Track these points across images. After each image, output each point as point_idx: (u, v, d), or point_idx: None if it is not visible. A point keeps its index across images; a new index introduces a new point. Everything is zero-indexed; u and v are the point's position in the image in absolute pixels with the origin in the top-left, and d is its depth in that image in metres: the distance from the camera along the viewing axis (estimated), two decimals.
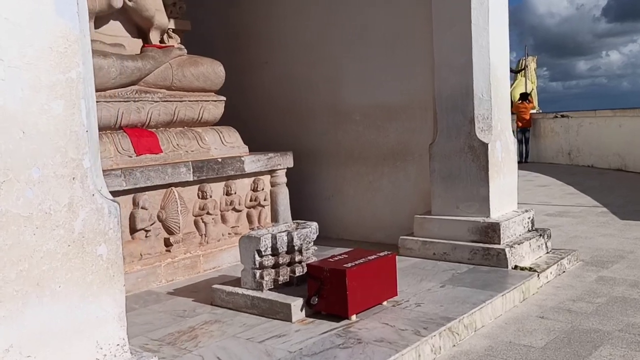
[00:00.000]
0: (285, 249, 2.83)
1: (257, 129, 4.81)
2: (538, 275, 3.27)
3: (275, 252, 2.80)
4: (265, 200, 4.01)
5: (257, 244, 2.75)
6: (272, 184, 4.11)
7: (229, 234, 3.80)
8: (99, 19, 3.62)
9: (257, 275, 2.78)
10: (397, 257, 2.87)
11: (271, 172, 4.08)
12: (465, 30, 3.47)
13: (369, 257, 2.69)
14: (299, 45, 4.48)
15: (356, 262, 2.60)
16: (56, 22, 1.55)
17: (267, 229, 2.91)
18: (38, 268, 1.42)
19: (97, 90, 3.24)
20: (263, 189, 4.02)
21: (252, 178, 3.97)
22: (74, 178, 1.49)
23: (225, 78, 4.03)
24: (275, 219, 4.12)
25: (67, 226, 1.47)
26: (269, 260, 2.79)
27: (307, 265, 2.69)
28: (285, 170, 4.16)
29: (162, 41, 4.34)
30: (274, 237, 2.78)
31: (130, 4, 3.65)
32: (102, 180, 1.63)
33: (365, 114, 4.17)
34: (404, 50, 3.93)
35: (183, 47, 3.96)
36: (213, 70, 3.92)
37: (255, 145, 4.42)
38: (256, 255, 2.76)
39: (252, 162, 3.88)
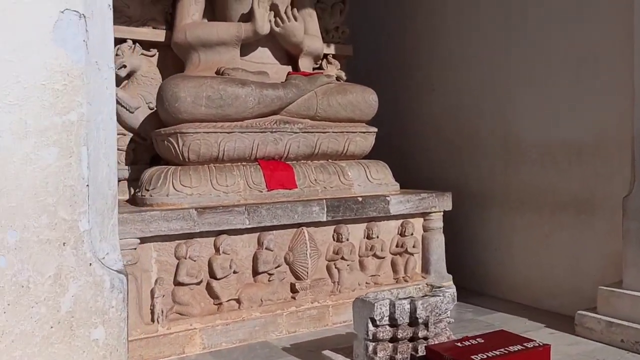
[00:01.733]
0: (406, 320, 2.30)
1: (414, 165, 4.33)
2: None
3: (393, 323, 2.29)
4: (414, 247, 3.49)
5: (371, 311, 2.27)
6: (425, 229, 3.57)
7: (366, 283, 3.35)
8: (246, 46, 3.47)
9: (370, 348, 2.30)
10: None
11: (424, 214, 3.55)
12: None
13: (510, 349, 2.04)
14: (468, 70, 3.90)
15: (489, 354, 1.98)
16: (54, 53, 1.29)
17: (388, 292, 2.41)
18: (7, 354, 1.15)
19: (234, 120, 3.12)
20: (412, 234, 3.51)
21: (400, 221, 3.48)
22: (64, 243, 1.21)
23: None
24: (426, 269, 3.58)
25: (50, 303, 1.19)
26: (385, 332, 2.29)
27: (426, 347, 2.13)
28: (441, 213, 3.60)
29: (320, 67, 4.10)
30: (392, 305, 2.27)
31: (277, 29, 3.43)
32: (111, 245, 1.32)
33: (542, 152, 3.43)
34: (592, 76, 3.13)
35: (332, 75, 3.66)
36: (363, 99, 3.53)
37: (411, 182, 3.93)
38: (370, 324, 2.28)
39: (400, 203, 3.40)
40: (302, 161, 3.41)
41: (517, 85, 3.56)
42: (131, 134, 3.46)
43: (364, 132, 3.55)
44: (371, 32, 4.76)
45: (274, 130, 3.23)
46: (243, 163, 3.19)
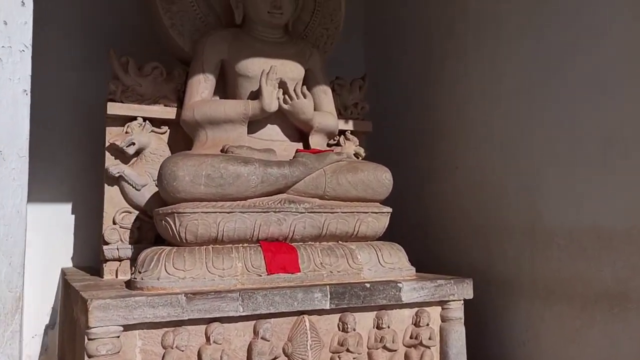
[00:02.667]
0: None
1: (435, 247, 4.09)
2: None
3: None
4: (430, 339, 3.20)
5: None
6: (443, 319, 3.28)
7: None
8: (255, 123, 3.40)
9: None
10: None
11: (442, 303, 3.27)
12: None
13: None
14: (492, 147, 3.70)
15: None
16: None
17: None
18: None
19: (235, 200, 3.00)
20: (428, 324, 3.22)
21: (414, 309, 3.21)
22: None
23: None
24: None
25: None
26: None
27: None
28: (461, 302, 3.31)
29: (337, 144, 4.00)
30: None
31: (286, 107, 3.36)
32: (7, 356, 1.16)
33: (571, 239, 3.14)
34: (620, 157, 2.88)
35: (342, 152, 3.51)
36: (376, 177, 3.36)
37: (431, 266, 3.69)
38: None
39: (413, 290, 3.15)
40: (310, 242, 3.24)
41: (542, 165, 3.32)
42: (137, 212, 3.40)
43: (376, 213, 3.36)
44: (394, 108, 4.65)
45: (277, 210, 3.09)
46: (244, 244, 3.05)
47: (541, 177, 3.33)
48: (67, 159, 3.96)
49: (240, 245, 3.03)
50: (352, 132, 4.06)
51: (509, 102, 3.58)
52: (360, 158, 3.97)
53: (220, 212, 2.95)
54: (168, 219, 2.93)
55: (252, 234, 3.05)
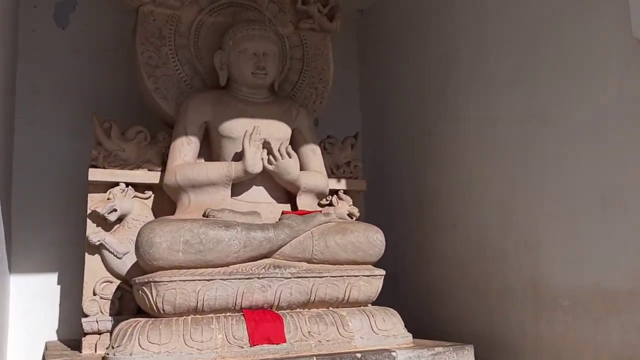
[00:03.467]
0: None
1: (433, 311, 3.89)
2: None
3: None
4: None
5: None
6: None
7: None
8: (239, 186, 3.30)
9: None
10: None
11: None
12: None
13: None
14: (490, 204, 3.54)
15: None
16: None
17: None
18: None
19: (217, 266, 2.85)
20: None
21: None
22: None
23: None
24: None
25: None
26: None
27: None
28: None
29: (330, 203, 3.88)
30: None
31: (270, 167, 3.27)
32: None
33: (576, 300, 2.93)
34: (619, 214, 2.72)
35: (331, 213, 3.37)
36: (366, 239, 3.22)
37: (430, 332, 3.49)
38: None
39: (409, 359, 2.94)
40: (298, 310, 3.06)
41: (541, 222, 3.15)
42: (119, 281, 3.26)
43: (367, 276, 3.19)
44: (390, 166, 4.55)
45: (261, 275, 2.94)
46: (226, 314, 2.88)
47: (541, 235, 3.16)
48: (52, 228, 3.87)
49: (222, 314, 2.87)
50: (345, 192, 3.94)
51: (502, 159, 3.45)
52: (355, 218, 3.84)
53: (200, 280, 2.81)
54: (145, 288, 2.79)
55: (234, 303, 2.89)
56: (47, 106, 3.99)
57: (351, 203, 3.94)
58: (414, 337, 3.22)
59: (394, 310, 3.24)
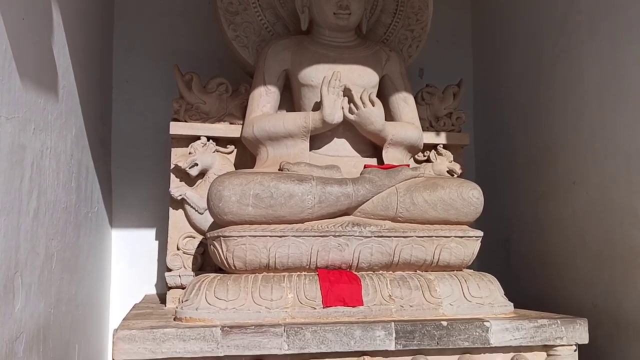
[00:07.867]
0: None
1: (547, 280, 3.42)
2: None
3: None
4: None
5: None
6: None
7: None
8: (320, 138, 3.07)
9: None
10: None
11: (546, 347, 2.65)
12: None
13: None
14: (616, 161, 2.99)
15: None
16: None
17: None
18: None
19: (290, 223, 2.67)
20: None
21: (510, 354, 2.62)
22: None
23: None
24: None
25: None
26: None
27: None
28: (573, 347, 2.66)
29: (428, 159, 3.54)
30: None
31: (351, 117, 2.99)
32: None
33: None
34: None
35: (420, 167, 3.02)
36: (459, 195, 2.84)
37: (540, 303, 3.06)
38: None
39: (505, 331, 2.57)
40: (380, 272, 2.80)
41: None
42: (201, 237, 3.21)
43: (460, 237, 2.83)
44: (501, 118, 4.05)
45: (338, 233, 2.70)
46: (300, 273, 2.69)
47: None
48: (149, 184, 3.91)
49: (295, 273, 2.68)
50: (445, 146, 3.56)
51: (634, 104, 2.87)
52: (456, 176, 3.46)
53: (271, 236, 2.63)
54: (215, 243, 2.68)
55: (308, 261, 2.69)
56: (141, 64, 4.01)
57: (452, 159, 3.56)
58: (518, 308, 2.83)
59: (492, 276, 2.86)
